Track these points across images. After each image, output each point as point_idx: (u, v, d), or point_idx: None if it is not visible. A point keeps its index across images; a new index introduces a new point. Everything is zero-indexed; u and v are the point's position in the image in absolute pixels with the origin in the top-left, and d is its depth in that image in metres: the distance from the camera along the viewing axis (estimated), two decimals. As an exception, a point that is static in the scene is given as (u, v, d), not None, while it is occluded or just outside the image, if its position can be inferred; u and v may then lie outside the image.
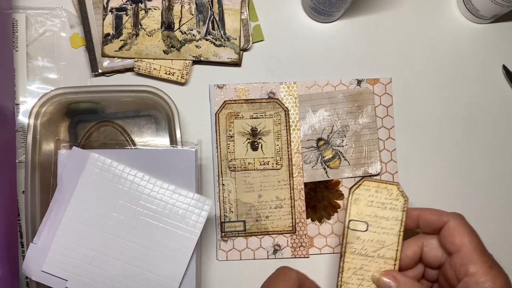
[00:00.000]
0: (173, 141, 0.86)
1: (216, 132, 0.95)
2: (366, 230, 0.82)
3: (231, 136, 0.95)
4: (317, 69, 0.99)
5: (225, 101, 0.96)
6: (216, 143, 0.95)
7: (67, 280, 0.81)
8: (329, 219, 0.97)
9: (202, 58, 0.96)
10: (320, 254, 0.96)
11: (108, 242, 0.81)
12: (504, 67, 1.01)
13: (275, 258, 0.95)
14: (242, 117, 0.96)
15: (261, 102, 0.96)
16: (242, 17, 0.97)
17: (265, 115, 0.96)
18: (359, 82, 0.98)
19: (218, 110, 0.96)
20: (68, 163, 0.82)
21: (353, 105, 0.98)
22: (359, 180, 0.82)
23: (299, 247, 0.95)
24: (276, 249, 0.95)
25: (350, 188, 0.82)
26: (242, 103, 0.96)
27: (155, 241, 0.82)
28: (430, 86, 1.01)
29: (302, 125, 0.97)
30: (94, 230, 0.81)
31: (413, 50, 1.01)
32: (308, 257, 0.96)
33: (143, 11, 0.94)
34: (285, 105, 0.96)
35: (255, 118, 0.96)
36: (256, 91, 0.96)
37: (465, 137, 1.00)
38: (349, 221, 0.82)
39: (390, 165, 0.98)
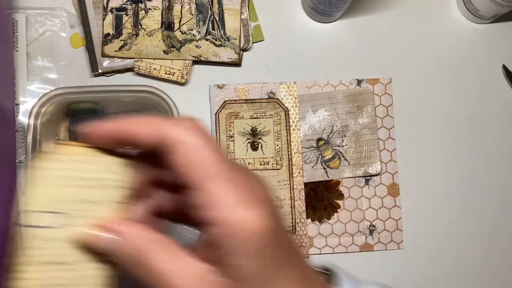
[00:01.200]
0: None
1: (216, 132, 0.95)
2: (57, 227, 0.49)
3: (231, 136, 0.95)
4: (317, 69, 0.99)
5: (225, 101, 0.96)
6: (216, 143, 0.95)
7: None
8: (329, 219, 0.96)
9: (202, 58, 0.96)
10: (320, 254, 0.96)
11: None
12: (504, 67, 1.01)
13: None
14: (242, 117, 0.96)
15: (261, 102, 0.96)
16: (242, 17, 0.97)
17: (265, 115, 0.96)
18: (359, 82, 0.98)
19: (218, 110, 0.96)
20: None
21: (353, 105, 0.98)
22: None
23: (299, 247, 0.95)
24: (276, 249, 0.95)
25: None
26: (242, 103, 0.96)
27: None
28: (430, 86, 1.01)
29: (302, 125, 0.97)
30: None
31: (413, 50, 1.01)
32: (308, 257, 0.96)
33: (143, 11, 0.94)
34: (285, 105, 0.96)
35: (255, 118, 0.96)
36: (256, 91, 0.96)
37: (465, 137, 1.01)
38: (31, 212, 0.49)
39: (390, 165, 0.98)
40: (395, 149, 0.98)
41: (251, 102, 0.96)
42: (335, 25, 1.01)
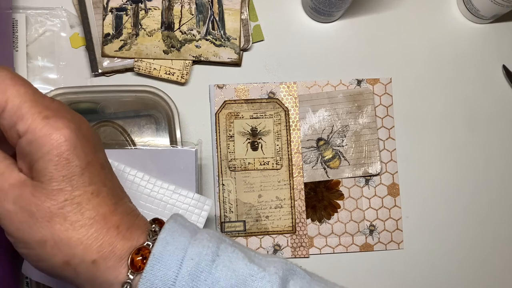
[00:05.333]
0: (173, 141, 0.86)
1: (216, 132, 0.95)
2: None
3: (231, 136, 0.95)
4: (317, 69, 0.99)
5: (225, 101, 0.96)
6: (216, 143, 0.95)
7: None
8: (329, 219, 0.96)
9: (202, 58, 0.96)
10: (320, 254, 0.96)
11: None
12: (504, 67, 1.01)
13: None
14: (242, 117, 0.96)
15: (261, 102, 0.96)
16: (242, 17, 0.97)
17: (265, 115, 0.96)
18: (359, 82, 0.98)
19: (218, 110, 0.96)
20: None
21: (353, 105, 0.98)
22: None
23: (299, 247, 0.95)
24: (276, 249, 0.95)
25: None
26: (242, 103, 0.96)
27: None
28: (430, 86, 1.01)
29: (302, 125, 0.97)
30: None
31: (413, 50, 1.01)
32: (308, 257, 0.96)
33: (143, 11, 0.94)
34: (285, 105, 0.96)
35: (255, 118, 0.96)
36: (256, 91, 0.96)
37: (465, 137, 1.01)
38: None
39: (390, 165, 0.98)
40: (395, 149, 0.98)
41: (251, 102, 0.96)
42: (335, 25, 1.01)
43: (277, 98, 0.96)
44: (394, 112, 0.99)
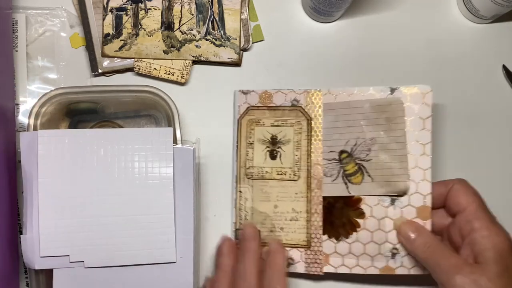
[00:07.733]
0: (173, 140, 0.87)
1: (237, 138, 0.95)
2: None
3: (251, 143, 0.94)
4: (317, 69, 1.00)
5: (248, 107, 0.95)
6: (237, 149, 0.95)
7: (69, 255, 0.81)
8: (347, 237, 0.91)
9: (202, 58, 0.96)
10: (336, 273, 0.91)
11: (94, 205, 0.83)
12: (504, 67, 1.02)
13: (288, 272, 0.90)
14: (263, 124, 0.94)
15: (284, 110, 0.94)
16: (242, 17, 0.98)
17: (286, 123, 0.94)
18: (392, 90, 0.94)
19: (241, 116, 0.95)
20: (23, 149, 0.82)
21: (381, 116, 0.93)
22: None
23: (313, 263, 0.91)
24: (290, 262, 0.91)
25: None
26: (264, 109, 0.94)
27: (136, 188, 0.84)
28: (430, 86, 0.99)
29: (325, 135, 0.93)
30: (75, 200, 0.82)
31: (412, 50, 1.02)
32: (322, 274, 0.91)
33: (143, 11, 0.96)
34: (309, 114, 0.94)
35: (276, 126, 0.94)
36: (280, 98, 0.95)
37: (465, 137, 1.00)
38: None
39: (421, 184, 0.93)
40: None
41: (274, 109, 0.94)
42: (335, 25, 1.02)
43: (301, 106, 0.94)
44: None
